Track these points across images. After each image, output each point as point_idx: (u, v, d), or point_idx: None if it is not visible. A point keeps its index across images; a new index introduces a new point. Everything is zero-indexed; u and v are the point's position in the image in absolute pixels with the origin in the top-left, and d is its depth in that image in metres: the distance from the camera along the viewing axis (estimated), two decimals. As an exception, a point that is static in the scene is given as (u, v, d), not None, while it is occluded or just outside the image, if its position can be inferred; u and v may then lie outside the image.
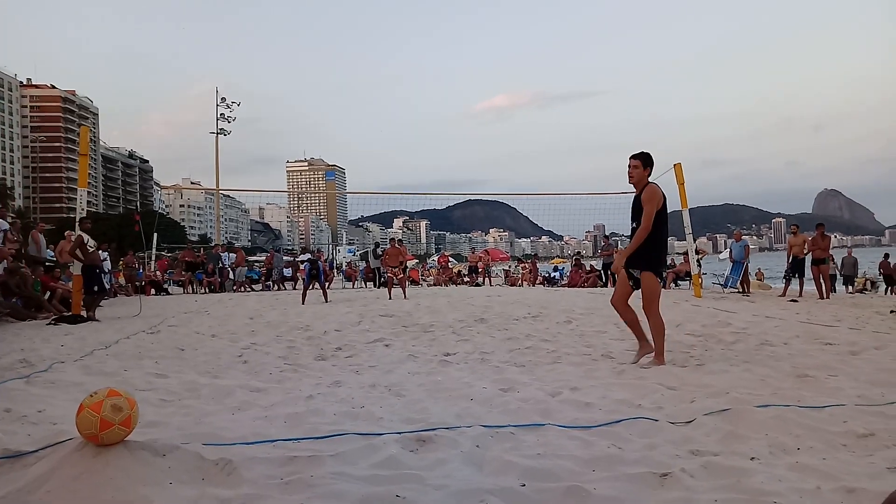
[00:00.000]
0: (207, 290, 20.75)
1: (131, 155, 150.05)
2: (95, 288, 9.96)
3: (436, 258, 38.61)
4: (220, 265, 21.85)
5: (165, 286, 21.26)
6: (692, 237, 15.49)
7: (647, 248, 5.03)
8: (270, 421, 3.44)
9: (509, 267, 34.91)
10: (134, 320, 9.79)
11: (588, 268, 22.75)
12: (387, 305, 12.18)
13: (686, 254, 17.20)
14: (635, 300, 5.26)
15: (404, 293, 14.97)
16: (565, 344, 6.45)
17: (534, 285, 23.68)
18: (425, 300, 13.41)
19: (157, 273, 22.22)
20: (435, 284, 25.24)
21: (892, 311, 9.36)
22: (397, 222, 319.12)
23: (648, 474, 2.51)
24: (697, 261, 15.74)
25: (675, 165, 14.83)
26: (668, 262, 22.90)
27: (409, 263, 32.58)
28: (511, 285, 24.19)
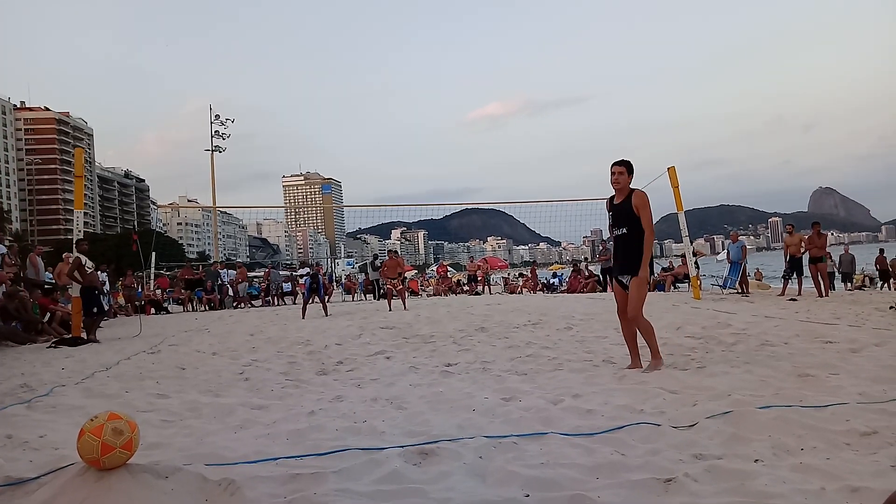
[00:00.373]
0: (207, 308, 20.72)
1: (127, 175, 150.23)
2: (95, 309, 9.95)
3: (434, 268, 38.60)
4: (220, 282, 21.82)
5: (165, 305, 21.23)
6: (689, 239, 15.53)
7: (638, 254, 5.06)
8: (273, 438, 3.43)
9: (508, 275, 34.93)
10: (134, 341, 9.77)
11: (587, 273, 22.75)
12: (387, 317, 12.17)
13: (684, 256, 17.22)
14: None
15: (404, 304, 14.97)
16: (566, 350, 6.45)
17: (534, 292, 23.69)
18: (425, 311, 13.40)
19: (157, 292, 22.20)
20: (434, 294, 25.22)
21: (891, 307, 9.37)
22: (395, 233, 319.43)
23: (652, 480, 2.51)
24: (695, 263, 15.76)
25: (668, 168, 14.88)
26: (667, 264, 22.97)
27: (409, 274, 32.58)
28: (510, 293, 24.18)
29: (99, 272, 11.75)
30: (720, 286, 17.01)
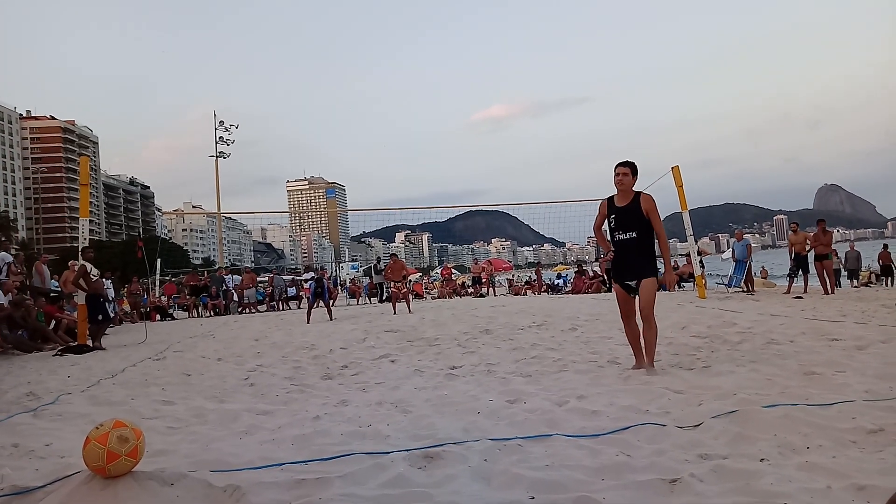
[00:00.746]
0: (212, 314, 20.76)
1: (132, 182, 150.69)
2: (100, 317, 9.99)
3: (439, 271, 38.60)
4: (224, 288, 21.86)
5: (170, 311, 21.28)
6: (694, 238, 15.49)
7: (649, 257, 5.07)
8: (278, 444, 3.44)
9: (513, 276, 34.88)
10: (140, 347, 9.80)
11: (591, 274, 22.72)
12: (391, 320, 12.17)
13: (688, 255, 17.18)
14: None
15: (408, 307, 14.96)
16: (571, 352, 6.44)
17: (539, 293, 23.66)
18: (430, 313, 13.40)
19: (162, 298, 22.26)
20: (439, 297, 25.22)
21: (897, 304, 9.33)
22: (399, 236, 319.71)
23: (658, 481, 2.50)
24: (700, 262, 15.72)
25: (672, 168, 14.86)
26: (672, 263, 22.91)
27: (413, 277, 32.58)
28: (515, 294, 24.17)
29: (104, 279, 11.78)
30: (725, 285, 16.97)
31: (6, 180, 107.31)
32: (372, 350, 7.66)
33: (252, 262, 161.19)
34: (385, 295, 21.66)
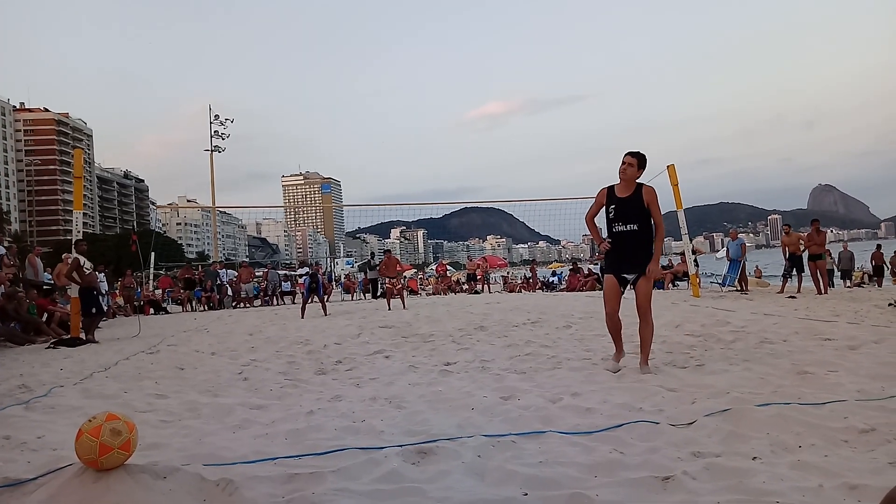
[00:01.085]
0: (206, 308, 20.71)
1: (126, 175, 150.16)
2: (93, 310, 9.95)
3: (434, 267, 38.59)
4: (219, 282, 21.80)
5: (164, 305, 21.22)
6: (688, 237, 15.53)
7: (648, 251, 5.03)
8: (271, 438, 3.43)
9: (508, 273, 34.91)
10: (133, 341, 9.76)
11: (586, 271, 22.76)
12: (386, 316, 12.17)
13: (683, 254, 17.23)
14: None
15: (403, 303, 14.97)
16: (565, 349, 6.45)
17: (534, 291, 23.69)
18: (424, 310, 13.41)
19: (156, 292, 22.18)
20: (434, 293, 25.22)
21: (889, 304, 9.37)
22: (394, 232, 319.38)
23: (650, 478, 2.50)
24: (694, 260, 15.76)
25: (668, 167, 14.88)
26: (666, 262, 22.96)
27: (408, 273, 32.56)
28: (510, 291, 24.19)
29: (97, 272, 11.73)
30: (719, 284, 17.03)
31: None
32: (366, 346, 7.66)
33: (247, 256, 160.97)
34: (380, 291, 21.66)
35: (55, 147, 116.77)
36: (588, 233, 5.53)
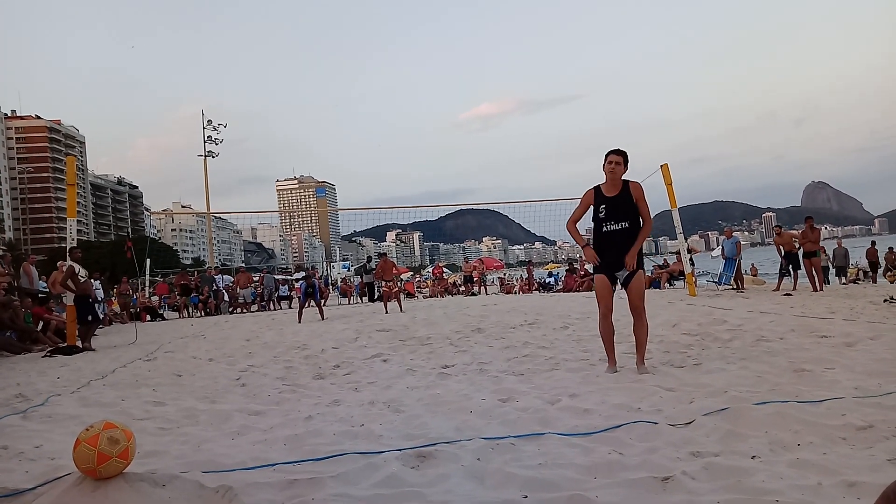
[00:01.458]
0: (203, 314, 20.65)
1: (120, 182, 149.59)
2: (89, 317, 9.91)
3: (430, 269, 38.59)
4: (215, 288, 21.74)
5: (161, 311, 21.15)
6: (683, 236, 15.56)
7: (639, 247, 5.04)
8: (270, 444, 3.43)
9: (504, 275, 34.92)
10: (130, 348, 9.73)
11: (582, 272, 22.77)
12: (383, 320, 12.15)
13: (678, 253, 17.26)
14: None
15: (400, 306, 14.95)
16: (563, 350, 6.46)
17: (530, 292, 23.70)
18: (421, 313, 13.39)
19: (152, 299, 22.11)
20: (431, 296, 25.21)
21: (885, 300, 9.41)
22: (390, 235, 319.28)
23: (650, 479, 2.51)
24: (690, 259, 15.80)
25: (662, 166, 14.92)
26: (661, 262, 23.01)
27: (404, 276, 32.53)
28: (506, 293, 24.20)
29: (92, 280, 11.69)
30: (715, 282, 17.06)
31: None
32: (364, 349, 7.65)
33: (242, 261, 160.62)
34: (376, 294, 21.63)
35: (48, 154, 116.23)
36: (583, 233, 5.48)
